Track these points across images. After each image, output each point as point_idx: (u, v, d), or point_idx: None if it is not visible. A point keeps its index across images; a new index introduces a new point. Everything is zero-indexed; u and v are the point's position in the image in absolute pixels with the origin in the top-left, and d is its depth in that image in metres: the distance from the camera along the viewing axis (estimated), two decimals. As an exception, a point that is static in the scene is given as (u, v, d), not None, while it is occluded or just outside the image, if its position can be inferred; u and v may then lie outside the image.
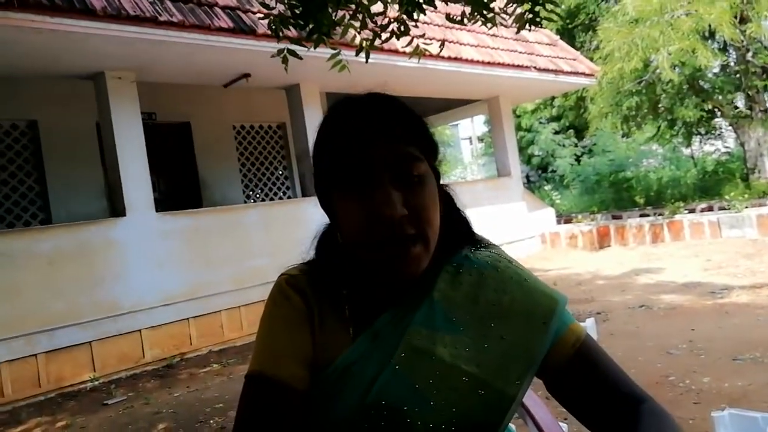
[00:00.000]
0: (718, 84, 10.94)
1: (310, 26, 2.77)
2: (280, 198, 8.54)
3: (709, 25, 8.65)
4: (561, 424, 1.21)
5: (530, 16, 2.93)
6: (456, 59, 7.20)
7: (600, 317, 4.94)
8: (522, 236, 9.66)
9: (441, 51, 3.61)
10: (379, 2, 3.01)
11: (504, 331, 0.85)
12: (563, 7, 12.16)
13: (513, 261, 0.94)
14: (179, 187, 7.60)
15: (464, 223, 0.97)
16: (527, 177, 16.82)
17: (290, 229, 6.16)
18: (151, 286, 5.35)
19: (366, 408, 0.80)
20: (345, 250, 0.87)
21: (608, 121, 11.63)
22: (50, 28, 4.28)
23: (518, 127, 15.22)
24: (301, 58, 2.87)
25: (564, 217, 10.92)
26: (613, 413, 0.83)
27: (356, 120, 0.85)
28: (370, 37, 3.09)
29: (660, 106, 11.36)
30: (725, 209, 8.70)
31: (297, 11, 2.75)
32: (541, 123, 16.29)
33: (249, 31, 5.30)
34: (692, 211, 9.09)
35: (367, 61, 3.11)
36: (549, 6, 2.88)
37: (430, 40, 3.59)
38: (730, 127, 12.09)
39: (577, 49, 11.33)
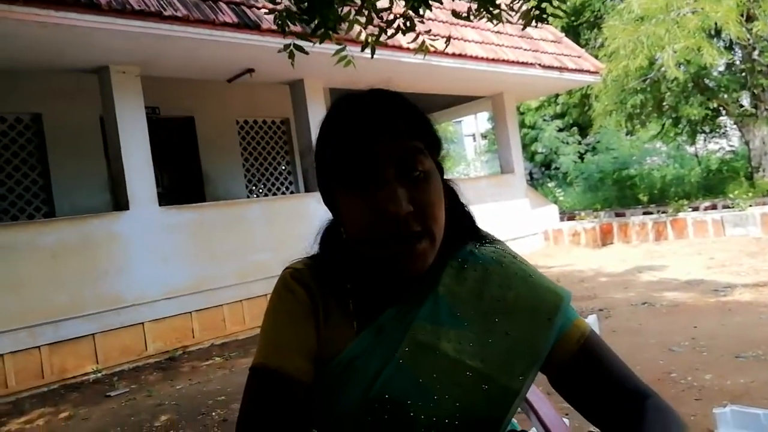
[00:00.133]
0: (723, 82, 10.89)
1: (316, 21, 2.77)
2: (283, 193, 8.55)
3: (716, 23, 8.59)
4: (563, 419, 1.21)
5: (537, 12, 2.92)
6: (460, 56, 7.19)
7: (602, 314, 4.94)
8: (525, 233, 9.65)
9: (447, 47, 3.60)
10: (384, -2, 3.01)
11: (508, 326, 0.85)
12: (569, 4, 12.11)
13: (517, 257, 0.94)
14: (182, 182, 7.61)
15: (468, 218, 0.97)
16: (530, 174, 16.79)
17: (293, 224, 6.17)
18: (154, 279, 5.37)
19: (369, 402, 0.80)
20: (349, 245, 0.87)
21: (612, 119, 11.59)
22: (55, 22, 4.29)
23: (522, 124, 15.18)
24: (307, 53, 2.87)
25: (567, 215, 10.90)
26: (618, 409, 0.83)
27: (359, 116, 0.84)
28: (376, 33, 3.08)
29: (665, 104, 11.31)
30: (729, 208, 8.68)
31: (303, 6, 2.75)
32: (544, 120, 16.25)
33: (253, 27, 5.30)
34: (696, 209, 9.06)
35: (372, 57, 3.10)
36: (555, 2, 2.87)
37: (435, 36, 3.59)
38: (734, 126, 12.05)
39: (582, 47, 11.29)
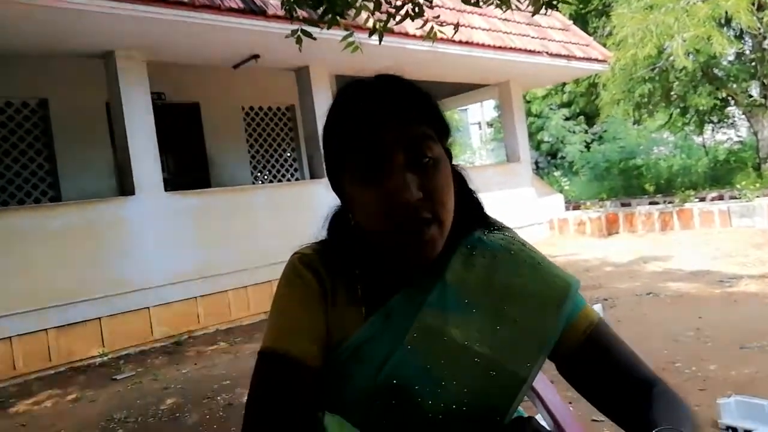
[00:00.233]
0: (732, 72, 10.78)
1: (324, 7, 2.75)
2: (288, 180, 8.55)
3: (726, 12, 8.49)
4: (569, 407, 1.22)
5: (546, -1, 2.90)
6: (467, 43, 7.14)
7: (607, 303, 4.94)
8: (531, 222, 9.64)
9: (455, 34, 3.58)
10: (392, -17, 2.98)
11: (517, 313, 0.85)
12: (577, -9, 12.01)
13: (526, 244, 0.94)
14: (188, 168, 7.62)
15: (477, 205, 0.96)
16: (536, 163, 16.70)
17: (298, 210, 6.17)
18: (159, 264, 5.40)
19: (377, 387, 0.81)
20: (357, 231, 0.87)
21: (620, 108, 11.51)
22: (61, 7, 4.28)
23: (528, 113, 15.08)
24: (315, 39, 2.85)
25: (573, 204, 10.87)
26: (626, 397, 0.83)
27: (366, 102, 0.84)
28: (384, 19, 3.06)
29: (673, 93, 11.23)
30: (736, 198, 8.63)
31: (310, -9, 2.73)
32: (551, 109, 16.14)
33: (259, 12, 5.27)
34: (702, 199, 9.02)
35: (380, 43, 3.08)
36: (565, -11, 2.84)
37: (443, 23, 3.56)
38: (743, 116, 11.95)
39: (590, 35, 11.18)
